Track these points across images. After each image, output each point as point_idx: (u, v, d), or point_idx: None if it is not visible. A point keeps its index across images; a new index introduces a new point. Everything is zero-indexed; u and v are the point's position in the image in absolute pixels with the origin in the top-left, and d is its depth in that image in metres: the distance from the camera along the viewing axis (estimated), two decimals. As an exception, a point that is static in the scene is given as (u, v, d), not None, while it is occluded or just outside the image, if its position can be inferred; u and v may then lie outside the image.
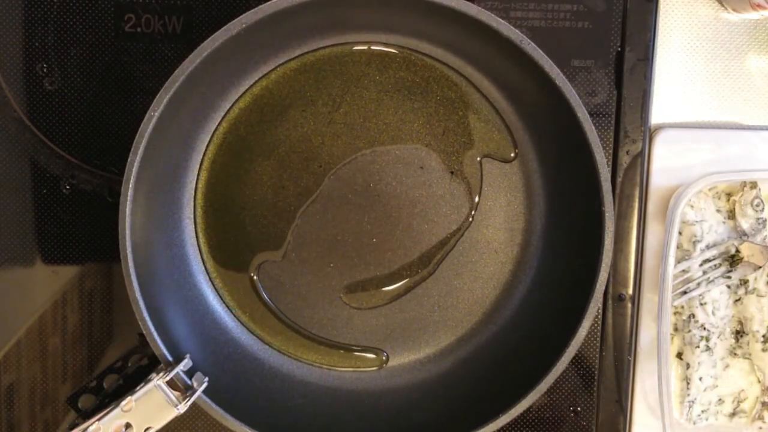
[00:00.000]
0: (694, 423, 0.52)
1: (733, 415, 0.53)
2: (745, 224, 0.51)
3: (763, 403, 0.52)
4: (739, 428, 0.53)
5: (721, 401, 0.52)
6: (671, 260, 0.49)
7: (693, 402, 0.51)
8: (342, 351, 0.51)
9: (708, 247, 0.51)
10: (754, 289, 0.51)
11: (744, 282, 0.51)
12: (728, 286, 0.51)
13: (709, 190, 0.51)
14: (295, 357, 0.51)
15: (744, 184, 0.51)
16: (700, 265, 0.51)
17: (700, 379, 0.51)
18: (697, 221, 0.50)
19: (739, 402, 0.53)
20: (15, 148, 0.50)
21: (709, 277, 0.51)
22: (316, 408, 0.50)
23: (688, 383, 0.51)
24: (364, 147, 0.49)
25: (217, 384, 0.43)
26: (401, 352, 0.51)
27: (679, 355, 0.52)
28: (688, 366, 0.51)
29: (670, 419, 0.50)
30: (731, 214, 0.51)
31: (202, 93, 0.46)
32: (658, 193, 0.51)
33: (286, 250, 0.50)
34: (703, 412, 0.52)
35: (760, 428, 0.52)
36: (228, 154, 0.49)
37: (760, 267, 0.50)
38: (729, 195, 0.51)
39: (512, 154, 0.50)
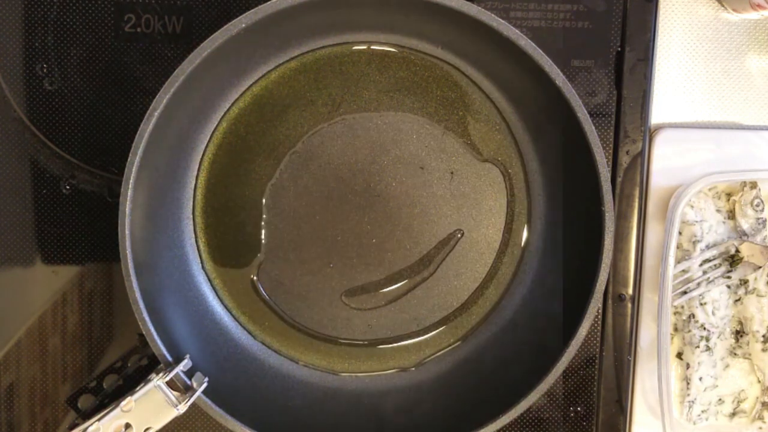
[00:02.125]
0: (694, 423, 0.52)
1: (733, 415, 0.53)
2: (745, 224, 0.51)
3: (763, 403, 0.52)
4: (739, 428, 0.53)
5: (721, 401, 0.52)
6: (671, 260, 0.49)
7: (693, 402, 0.51)
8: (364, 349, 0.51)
9: (708, 247, 0.51)
10: (754, 289, 0.51)
11: (744, 282, 0.51)
12: (728, 286, 0.51)
13: (709, 190, 0.51)
14: (294, 358, 0.51)
15: (744, 184, 0.51)
16: (700, 265, 0.51)
17: (700, 379, 0.51)
18: (697, 221, 0.50)
19: (739, 402, 0.52)
20: (15, 149, 0.50)
21: (709, 277, 0.51)
22: (316, 408, 0.50)
23: (688, 383, 0.51)
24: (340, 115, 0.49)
25: (217, 384, 0.43)
26: (401, 352, 0.51)
27: (679, 355, 0.52)
28: (688, 366, 0.51)
29: (670, 419, 0.50)
30: (731, 214, 0.51)
31: (202, 93, 0.46)
32: (658, 193, 0.51)
33: (285, 250, 0.50)
34: (703, 412, 0.52)
35: (760, 428, 0.52)
36: (228, 154, 0.49)
37: (760, 267, 0.50)
38: (729, 195, 0.51)
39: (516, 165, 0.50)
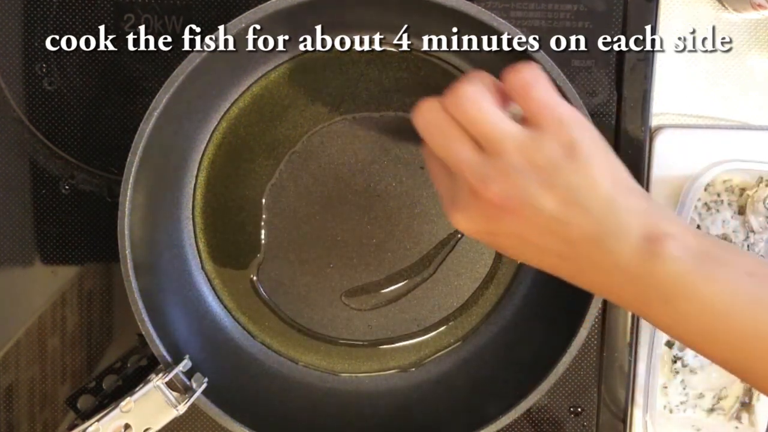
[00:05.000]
0: (671, 411, 0.52)
1: (711, 411, 0.52)
2: (754, 221, 0.51)
3: (743, 404, 0.52)
4: (715, 425, 0.52)
5: (701, 395, 0.52)
6: None
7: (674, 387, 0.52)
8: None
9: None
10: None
11: None
12: None
13: (723, 182, 0.51)
14: (294, 359, 0.51)
15: (760, 180, 0.50)
16: None
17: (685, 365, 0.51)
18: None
19: (719, 399, 0.52)
20: (14, 149, 0.50)
21: None
22: (316, 409, 0.50)
23: (675, 372, 0.51)
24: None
25: (217, 385, 0.43)
26: (401, 352, 0.51)
27: (669, 344, 0.52)
28: (675, 360, 0.51)
29: (653, 408, 0.50)
30: (742, 209, 0.51)
31: (202, 93, 0.46)
32: (659, 193, 0.51)
33: (285, 250, 0.50)
34: (681, 403, 0.52)
35: (737, 428, 0.52)
36: (227, 154, 0.49)
37: None
38: (743, 190, 0.51)
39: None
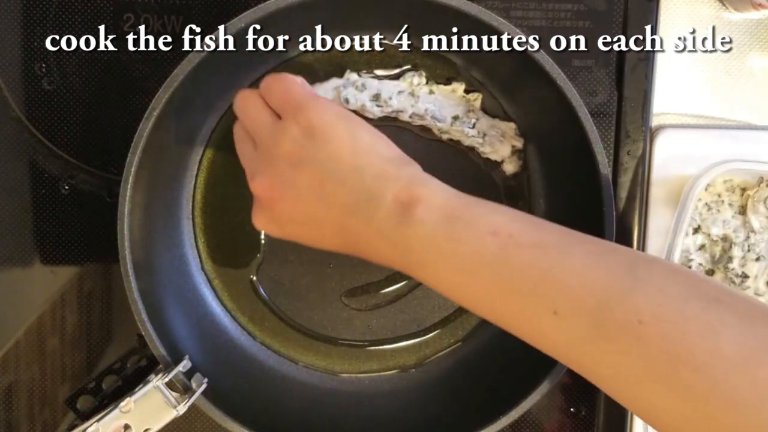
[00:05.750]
0: None
1: None
2: (755, 221, 0.50)
3: None
4: None
5: None
6: (680, 240, 0.49)
7: None
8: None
9: (715, 239, 0.51)
10: (756, 288, 0.51)
11: (744, 277, 0.51)
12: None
13: (724, 182, 0.51)
14: (294, 359, 0.51)
15: (761, 180, 0.50)
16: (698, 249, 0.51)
17: None
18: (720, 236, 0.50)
19: None
20: (13, 149, 0.50)
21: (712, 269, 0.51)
22: (316, 409, 0.49)
23: None
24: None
25: (217, 385, 0.43)
26: (401, 352, 0.51)
27: None
28: None
29: None
30: (743, 209, 0.51)
31: (202, 93, 0.46)
32: (659, 193, 0.51)
33: (285, 250, 0.50)
34: None
35: None
36: (227, 153, 0.49)
37: None
38: (743, 190, 0.51)
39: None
